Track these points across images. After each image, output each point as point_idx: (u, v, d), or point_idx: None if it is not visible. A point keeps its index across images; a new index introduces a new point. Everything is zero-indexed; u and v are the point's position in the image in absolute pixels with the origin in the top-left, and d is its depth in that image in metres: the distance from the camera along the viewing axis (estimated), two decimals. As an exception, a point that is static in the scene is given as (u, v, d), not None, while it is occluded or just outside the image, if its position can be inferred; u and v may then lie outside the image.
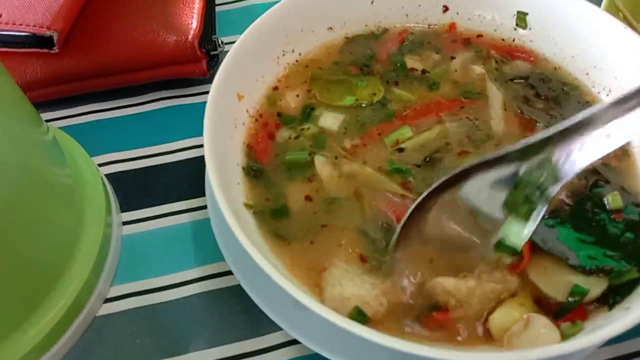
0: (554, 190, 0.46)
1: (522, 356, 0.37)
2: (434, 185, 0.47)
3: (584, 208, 0.49)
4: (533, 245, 0.47)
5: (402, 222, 0.47)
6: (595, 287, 0.45)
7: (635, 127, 0.42)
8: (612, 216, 0.49)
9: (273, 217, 0.50)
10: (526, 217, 0.47)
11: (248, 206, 0.50)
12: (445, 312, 0.45)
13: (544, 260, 0.47)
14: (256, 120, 0.56)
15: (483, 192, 0.48)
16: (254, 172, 0.52)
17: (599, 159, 0.46)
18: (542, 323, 0.42)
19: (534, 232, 0.47)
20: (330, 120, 0.57)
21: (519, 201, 0.47)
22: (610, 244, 0.47)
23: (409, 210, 0.47)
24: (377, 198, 0.51)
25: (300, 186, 0.52)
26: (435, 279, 0.46)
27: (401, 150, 0.54)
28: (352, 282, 0.46)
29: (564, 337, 0.42)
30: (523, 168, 0.47)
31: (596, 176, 0.51)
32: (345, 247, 0.49)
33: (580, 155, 0.45)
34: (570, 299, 0.45)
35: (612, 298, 0.45)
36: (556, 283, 0.46)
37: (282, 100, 0.58)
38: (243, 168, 0.52)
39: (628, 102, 0.41)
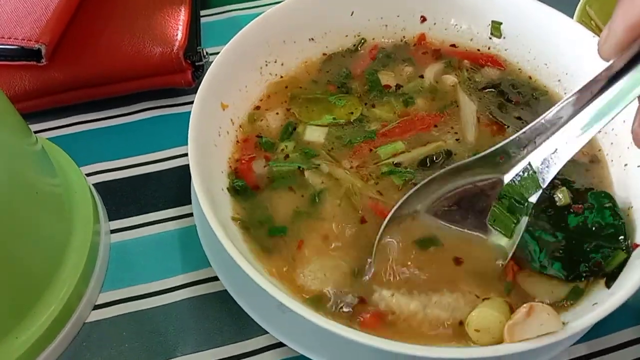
0: (535, 198, 0.48)
1: (495, 350, 0.38)
2: (417, 186, 0.50)
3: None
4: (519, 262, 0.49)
5: (387, 218, 0.49)
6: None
7: (597, 121, 0.44)
8: (572, 209, 0.51)
9: (259, 228, 0.52)
10: (509, 232, 0.49)
11: (235, 219, 0.51)
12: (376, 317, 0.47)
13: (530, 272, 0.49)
14: (238, 142, 0.57)
15: (467, 206, 0.51)
16: (238, 190, 0.53)
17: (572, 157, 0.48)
18: (546, 310, 0.42)
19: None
20: (316, 134, 0.58)
21: (502, 214, 0.49)
22: (589, 236, 0.50)
23: (394, 208, 0.49)
24: (363, 201, 0.53)
25: (285, 197, 0.54)
26: (383, 291, 0.47)
27: (398, 165, 0.55)
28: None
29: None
30: (506, 181, 0.49)
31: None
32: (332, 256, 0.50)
33: (555, 157, 0.47)
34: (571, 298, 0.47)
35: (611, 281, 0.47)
36: (546, 289, 0.48)
37: (262, 120, 0.59)
38: (227, 189, 0.53)
39: (584, 94, 0.44)
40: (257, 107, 0.60)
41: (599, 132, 0.56)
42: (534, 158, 0.48)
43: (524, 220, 0.48)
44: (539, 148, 0.48)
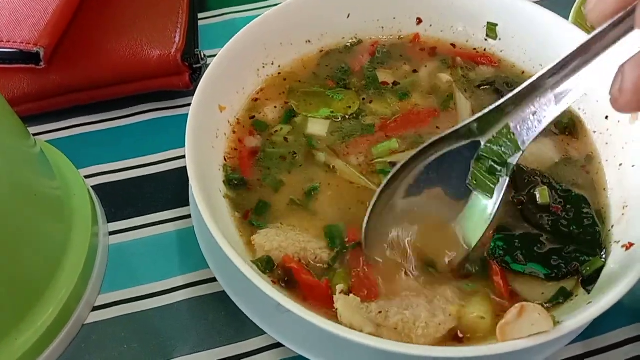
0: (514, 159, 0.48)
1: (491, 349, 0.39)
2: (399, 164, 0.49)
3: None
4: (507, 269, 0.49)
5: (373, 200, 0.49)
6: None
7: (577, 89, 0.43)
8: (552, 209, 0.52)
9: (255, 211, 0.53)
10: (490, 191, 0.49)
11: (226, 197, 0.52)
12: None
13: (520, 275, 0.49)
14: (234, 132, 0.58)
15: (448, 171, 0.50)
16: (235, 183, 0.54)
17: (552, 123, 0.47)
18: (537, 310, 0.42)
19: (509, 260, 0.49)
20: (318, 127, 0.59)
21: (482, 175, 0.49)
22: (567, 239, 0.51)
23: (379, 189, 0.49)
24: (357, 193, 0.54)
25: (284, 182, 0.55)
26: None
27: (393, 164, 0.55)
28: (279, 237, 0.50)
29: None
30: (483, 142, 0.49)
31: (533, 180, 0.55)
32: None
33: (535, 120, 0.46)
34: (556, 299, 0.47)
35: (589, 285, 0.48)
36: (536, 290, 0.48)
37: (260, 112, 0.60)
38: (224, 182, 0.54)
39: (568, 65, 0.42)
40: (255, 99, 0.61)
41: (594, 132, 0.57)
42: (513, 119, 0.47)
43: (505, 180, 0.48)
44: (517, 110, 0.46)
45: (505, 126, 0.47)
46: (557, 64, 0.43)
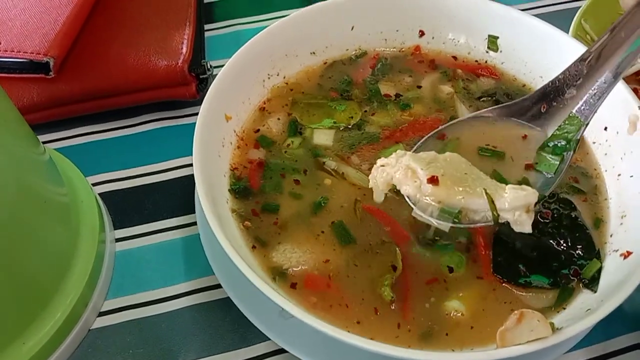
0: (579, 135, 0.50)
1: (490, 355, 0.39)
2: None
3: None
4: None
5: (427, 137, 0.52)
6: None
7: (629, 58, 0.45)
8: (543, 215, 0.53)
9: (262, 212, 0.54)
10: (553, 169, 0.51)
11: (233, 210, 0.53)
12: None
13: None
14: (238, 147, 0.59)
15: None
16: (240, 191, 0.55)
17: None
18: (536, 317, 0.42)
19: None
20: (324, 137, 0.60)
21: (548, 157, 0.51)
22: (563, 243, 0.51)
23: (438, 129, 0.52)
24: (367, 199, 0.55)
25: (289, 194, 0.56)
26: None
27: None
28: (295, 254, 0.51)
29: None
30: (549, 133, 0.51)
31: None
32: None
33: (595, 97, 0.49)
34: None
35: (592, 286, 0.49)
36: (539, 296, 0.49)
37: (264, 124, 0.61)
38: (229, 190, 0.55)
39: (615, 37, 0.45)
40: (263, 109, 0.62)
41: (594, 142, 0.58)
42: (575, 106, 0.49)
43: (570, 154, 0.50)
44: (579, 94, 0.49)
45: (568, 116, 0.50)
46: (605, 37, 0.45)
